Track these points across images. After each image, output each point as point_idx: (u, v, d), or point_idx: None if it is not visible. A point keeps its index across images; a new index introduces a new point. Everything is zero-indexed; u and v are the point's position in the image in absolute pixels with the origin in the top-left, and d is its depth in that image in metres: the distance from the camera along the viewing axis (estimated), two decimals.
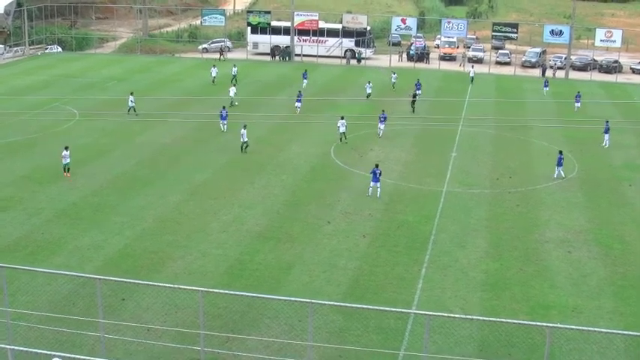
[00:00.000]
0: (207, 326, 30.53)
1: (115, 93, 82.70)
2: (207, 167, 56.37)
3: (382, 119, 66.48)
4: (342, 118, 64.66)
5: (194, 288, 30.03)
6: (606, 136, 66.06)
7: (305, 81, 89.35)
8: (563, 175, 55.59)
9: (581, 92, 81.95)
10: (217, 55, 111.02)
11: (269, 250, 41.55)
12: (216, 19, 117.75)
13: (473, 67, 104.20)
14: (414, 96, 78.00)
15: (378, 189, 50.01)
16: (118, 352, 30.27)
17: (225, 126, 65.63)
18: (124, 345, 30.62)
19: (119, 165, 56.23)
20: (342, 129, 63.95)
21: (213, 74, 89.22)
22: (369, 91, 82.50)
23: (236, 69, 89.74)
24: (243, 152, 59.88)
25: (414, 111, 76.60)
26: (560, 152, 56.56)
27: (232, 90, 78.26)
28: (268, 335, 32.00)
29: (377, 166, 50.47)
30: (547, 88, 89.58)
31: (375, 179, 49.88)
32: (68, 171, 52.49)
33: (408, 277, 38.80)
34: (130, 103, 71.76)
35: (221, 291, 30.95)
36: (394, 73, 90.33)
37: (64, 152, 52.50)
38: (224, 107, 65.65)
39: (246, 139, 59.94)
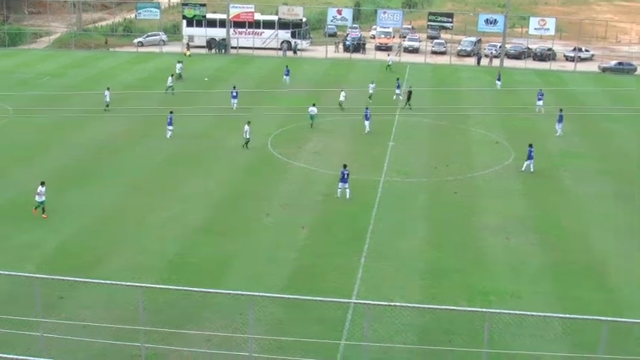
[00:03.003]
0: (148, 322, 30.35)
1: (50, 89, 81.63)
2: (146, 162, 55.97)
3: (367, 116, 66.27)
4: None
5: (134, 284, 29.86)
6: (559, 125, 66.72)
7: (286, 77, 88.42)
8: (532, 170, 55.46)
9: (543, 90, 78.47)
10: (157, 49, 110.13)
11: (208, 244, 41.42)
12: (151, 13, 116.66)
13: (389, 55, 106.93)
14: (409, 93, 76.34)
15: (347, 190, 49.05)
16: (58, 351, 29.94)
17: (171, 132, 62.53)
18: (63, 343, 30.30)
19: (56, 162, 55.51)
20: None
21: (178, 70, 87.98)
22: (341, 98, 74.93)
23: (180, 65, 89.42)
24: (244, 148, 59.53)
25: (409, 106, 75.58)
26: (530, 145, 55.95)
27: (170, 79, 79.74)
28: (209, 329, 31.94)
29: (345, 166, 49.57)
30: (500, 82, 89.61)
31: (344, 180, 49.06)
32: (44, 211, 44.83)
33: (347, 267, 38.95)
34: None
35: (161, 286, 30.90)
36: (372, 83, 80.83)
37: (40, 188, 44.92)
38: (171, 112, 63.51)
39: (248, 136, 59.54)
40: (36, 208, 44.74)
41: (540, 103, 76.18)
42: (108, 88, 72.45)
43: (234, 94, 74.28)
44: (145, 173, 53.60)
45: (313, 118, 67.04)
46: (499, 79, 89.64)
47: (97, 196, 48.50)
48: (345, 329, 32.51)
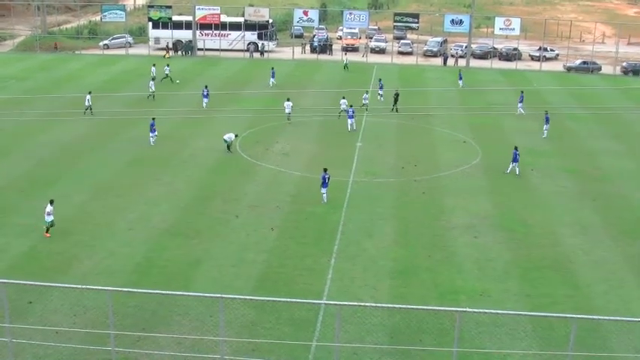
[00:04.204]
0: (118, 326, 30.23)
1: (14, 92, 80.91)
2: (112, 164, 55.63)
3: (351, 114, 66.93)
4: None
5: (102, 288, 29.69)
6: (545, 127, 66.55)
7: (272, 79, 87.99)
8: (513, 172, 55.36)
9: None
10: (122, 51, 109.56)
11: (177, 247, 41.24)
12: (117, 15, 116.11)
13: (346, 53, 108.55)
14: (396, 95, 75.82)
15: (324, 194, 48.76)
16: (27, 357, 29.68)
17: (154, 139, 60.94)
18: (32, 349, 30.03)
19: (21, 165, 54.98)
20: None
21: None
22: (343, 107, 70.71)
23: (168, 68, 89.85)
24: (228, 152, 59.19)
25: (395, 109, 75.03)
26: (516, 148, 55.82)
27: (152, 84, 78.97)
28: (180, 332, 31.81)
29: (325, 170, 48.98)
30: (461, 81, 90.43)
31: (325, 184, 48.50)
32: (47, 230, 42.30)
33: (317, 268, 38.95)
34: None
35: (130, 289, 30.55)
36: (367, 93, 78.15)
37: (49, 207, 42.49)
38: (153, 118, 62.36)
39: (229, 142, 59.48)
40: (47, 230, 42.28)
41: (520, 105, 76.18)
42: (89, 92, 71.88)
43: (206, 93, 74.90)
44: (112, 175, 53.24)
45: (290, 114, 68.48)
46: (460, 78, 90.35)
47: (63, 199, 47.99)
48: (316, 330, 32.51)
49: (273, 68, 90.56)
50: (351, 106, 68.39)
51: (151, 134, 60.97)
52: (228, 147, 59.03)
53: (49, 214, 42.26)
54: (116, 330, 29.22)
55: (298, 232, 43.88)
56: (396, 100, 75.35)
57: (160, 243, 41.79)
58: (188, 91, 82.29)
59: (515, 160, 55.29)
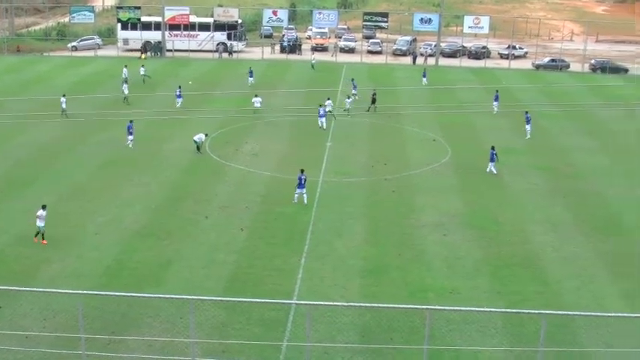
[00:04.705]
0: (88, 329, 30.07)
1: None
2: (85, 166, 55.25)
3: (322, 113, 67.63)
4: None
5: (72, 292, 29.52)
6: (528, 127, 66.47)
7: (251, 79, 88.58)
8: (495, 172, 55.36)
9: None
10: (91, 53, 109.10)
11: (147, 248, 41.09)
12: (85, 16, 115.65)
13: (314, 53, 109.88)
14: (373, 96, 75.72)
15: (304, 195, 48.40)
16: None
17: (131, 142, 60.40)
18: (2, 354, 29.80)
19: None
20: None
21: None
22: (329, 108, 70.68)
23: (144, 69, 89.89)
24: (198, 153, 59.22)
25: (374, 109, 75.06)
26: (493, 148, 55.88)
27: (126, 87, 78.33)
28: (150, 334, 31.69)
29: (302, 171, 48.86)
30: (425, 79, 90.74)
31: (301, 186, 48.34)
32: (43, 237, 41.36)
33: (287, 268, 38.96)
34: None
35: (99, 292, 30.57)
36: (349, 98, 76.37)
37: (41, 212, 41.50)
38: (131, 120, 61.69)
39: (200, 143, 59.67)
40: (36, 235, 41.52)
41: (496, 103, 76.32)
42: (64, 95, 71.38)
43: (179, 93, 75.54)
44: (83, 178, 52.88)
45: (259, 110, 70.19)
46: (424, 76, 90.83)
47: (33, 202, 47.35)
48: (286, 330, 32.50)
49: (250, 67, 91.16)
50: (320, 105, 68.38)
51: (128, 137, 60.55)
52: (198, 148, 58.97)
53: (40, 218, 41.35)
54: (86, 333, 29.11)
55: (268, 232, 43.87)
56: (373, 100, 75.28)
57: (131, 244, 41.63)
58: (159, 92, 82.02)
59: (492, 159, 55.39)
